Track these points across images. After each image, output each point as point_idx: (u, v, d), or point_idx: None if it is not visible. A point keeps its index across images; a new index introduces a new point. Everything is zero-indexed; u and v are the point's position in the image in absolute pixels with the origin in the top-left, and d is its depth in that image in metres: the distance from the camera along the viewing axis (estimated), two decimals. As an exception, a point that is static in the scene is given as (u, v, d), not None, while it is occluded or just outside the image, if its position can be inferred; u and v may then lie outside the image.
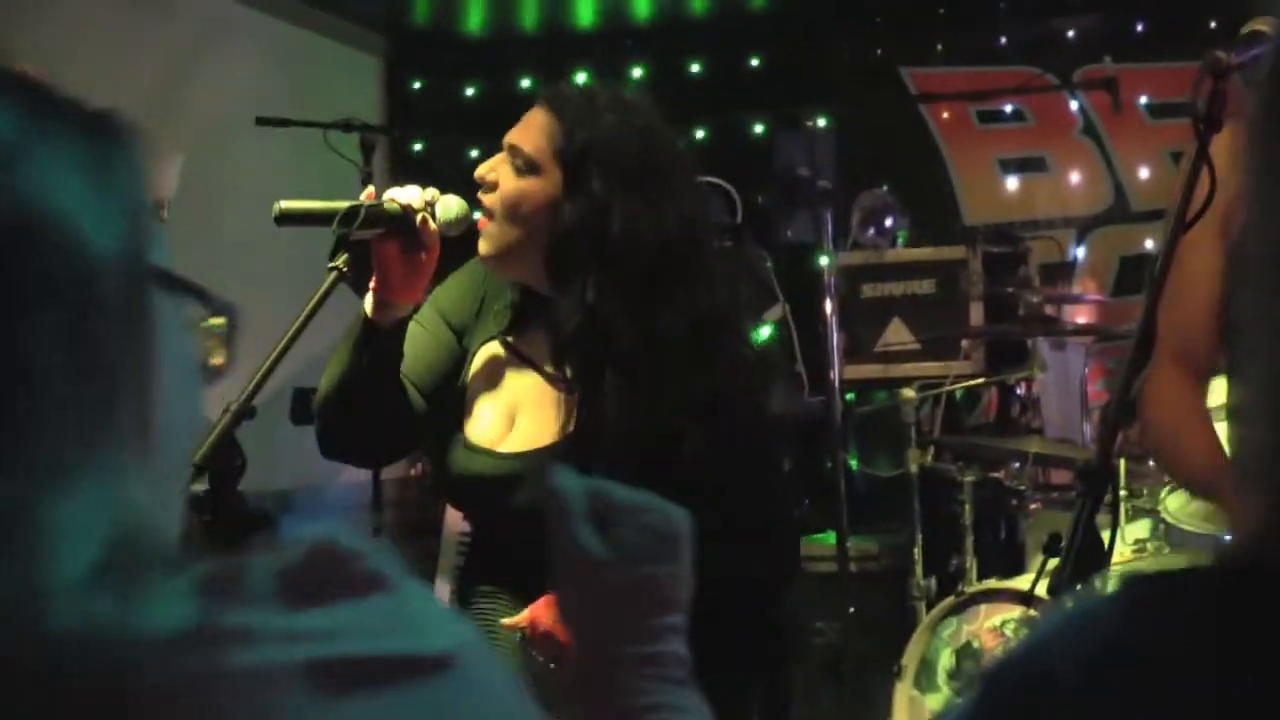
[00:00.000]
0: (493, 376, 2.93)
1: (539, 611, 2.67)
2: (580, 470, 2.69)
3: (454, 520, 5.47)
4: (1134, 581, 0.85)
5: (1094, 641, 0.82)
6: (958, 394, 6.25)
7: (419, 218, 2.77)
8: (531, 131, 2.82)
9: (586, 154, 2.77)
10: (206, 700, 0.86)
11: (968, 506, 5.31)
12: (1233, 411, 0.86)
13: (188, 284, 1.03)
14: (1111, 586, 0.85)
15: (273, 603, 0.89)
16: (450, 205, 2.82)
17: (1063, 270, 7.06)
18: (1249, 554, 0.83)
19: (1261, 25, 2.01)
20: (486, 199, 2.83)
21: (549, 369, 2.88)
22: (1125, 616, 0.83)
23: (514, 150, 2.82)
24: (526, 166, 2.80)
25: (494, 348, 2.94)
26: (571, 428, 2.80)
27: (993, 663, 0.89)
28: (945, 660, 4.89)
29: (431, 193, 2.81)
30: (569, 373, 2.82)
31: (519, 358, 2.92)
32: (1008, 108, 7.53)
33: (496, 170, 2.83)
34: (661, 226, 2.75)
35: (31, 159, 0.93)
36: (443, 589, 5.63)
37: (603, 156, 2.77)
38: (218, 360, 1.08)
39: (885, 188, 6.70)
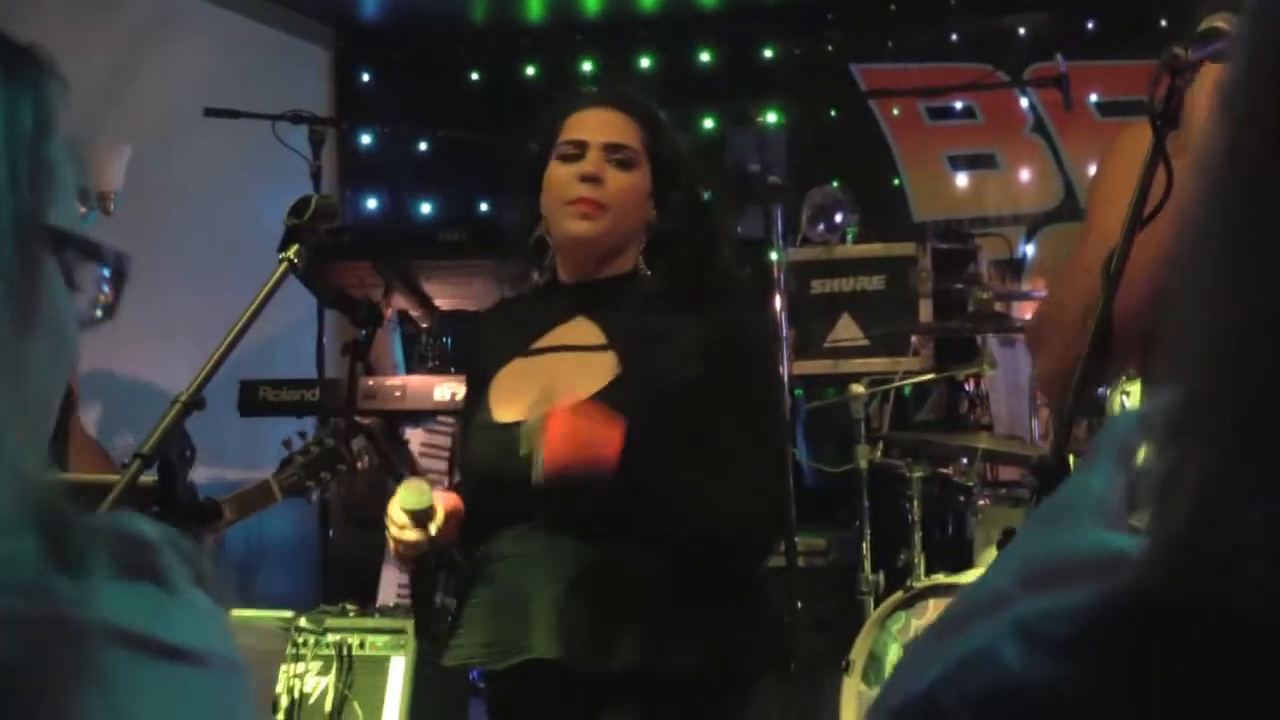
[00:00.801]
0: (517, 383, 3.03)
1: (558, 419, 2.80)
2: (618, 410, 2.83)
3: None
4: (1025, 614, 0.83)
5: (985, 680, 0.80)
6: (906, 390, 6.26)
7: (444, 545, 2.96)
8: (622, 131, 3.07)
9: (670, 151, 3.08)
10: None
11: (916, 502, 5.32)
12: (1146, 428, 0.82)
13: (76, 238, 1.01)
14: (1003, 618, 0.82)
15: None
16: (412, 493, 2.89)
17: (1012, 267, 7.08)
18: (1149, 585, 0.80)
19: (1220, 22, 2.00)
20: (596, 194, 3.00)
21: (590, 341, 3.04)
22: (1018, 652, 0.80)
23: (616, 148, 3.04)
24: (629, 161, 3.04)
25: (513, 366, 3.07)
26: (612, 378, 2.94)
27: (889, 693, 0.86)
28: (894, 655, 4.90)
29: (420, 497, 2.89)
30: (636, 333, 3.01)
31: (547, 352, 3.06)
32: (958, 104, 7.55)
33: (599, 168, 3.02)
34: (709, 209, 3.15)
35: None
36: (390, 577, 5.64)
37: (677, 152, 3.10)
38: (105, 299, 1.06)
39: (835, 184, 6.70)
